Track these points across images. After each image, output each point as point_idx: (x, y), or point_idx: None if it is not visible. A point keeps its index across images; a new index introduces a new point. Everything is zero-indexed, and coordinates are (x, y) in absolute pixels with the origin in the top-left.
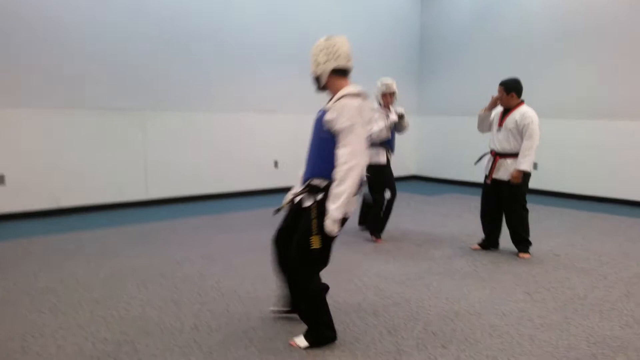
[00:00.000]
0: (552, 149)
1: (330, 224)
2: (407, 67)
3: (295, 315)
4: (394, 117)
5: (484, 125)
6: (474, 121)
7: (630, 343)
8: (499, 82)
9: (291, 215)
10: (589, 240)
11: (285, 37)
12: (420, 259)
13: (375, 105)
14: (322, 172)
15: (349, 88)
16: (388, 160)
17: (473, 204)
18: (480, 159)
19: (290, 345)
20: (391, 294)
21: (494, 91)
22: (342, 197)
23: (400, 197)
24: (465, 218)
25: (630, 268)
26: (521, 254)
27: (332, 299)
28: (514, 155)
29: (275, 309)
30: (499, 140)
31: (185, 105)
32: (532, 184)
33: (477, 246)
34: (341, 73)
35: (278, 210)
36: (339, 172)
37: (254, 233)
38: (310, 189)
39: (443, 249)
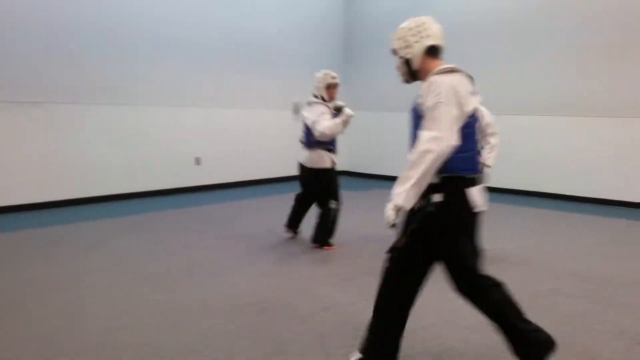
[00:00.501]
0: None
1: (389, 209)
2: (332, 62)
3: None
4: (349, 111)
5: None
6: (402, 117)
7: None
8: None
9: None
10: (526, 236)
11: (205, 31)
12: (348, 258)
13: (314, 99)
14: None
15: (441, 65)
16: (333, 163)
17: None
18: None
19: None
20: (320, 297)
21: (419, 87)
22: (409, 183)
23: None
24: None
25: (557, 262)
26: None
27: (261, 305)
28: None
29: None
30: None
31: (88, 96)
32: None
33: None
34: (434, 53)
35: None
36: (413, 154)
37: (170, 235)
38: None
39: (371, 247)
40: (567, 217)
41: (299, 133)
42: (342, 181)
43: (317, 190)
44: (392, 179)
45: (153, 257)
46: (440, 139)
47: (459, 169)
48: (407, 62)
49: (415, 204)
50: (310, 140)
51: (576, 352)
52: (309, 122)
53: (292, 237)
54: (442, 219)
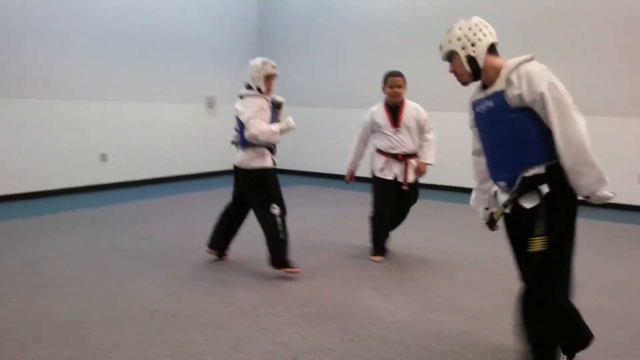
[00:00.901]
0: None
1: (604, 193)
2: (245, 55)
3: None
4: (292, 121)
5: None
6: (324, 113)
7: (477, 337)
8: (391, 72)
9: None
10: (437, 233)
11: (107, 19)
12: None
13: (248, 91)
14: (532, 157)
15: (514, 59)
16: (274, 162)
17: (323, 195)
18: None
19: None
20: (237, 301)
21: (343, 82)
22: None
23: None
24: (314, 213)
25: (465, 256)
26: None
27: (170, 313)
28: (415, 154)
29: None
30: (402, 142)
31: None
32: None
33: (379, 258)
34: (495, 50)
35: (493, 225)
36: (574, 147)
37: (72, 238)
38: (528, 184)
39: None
40: None
41: (212, 128)
42: None
43: (256, 196)
44: (309, 174)
45: (52, 262)
46: (579, 117)
47: (557, 155)
48: (472, 61)
49: (514, 199)
50: (244, 138)
51: (490, 347)
52: (243, 118)
53: (219, 259)
54: (566, 209)
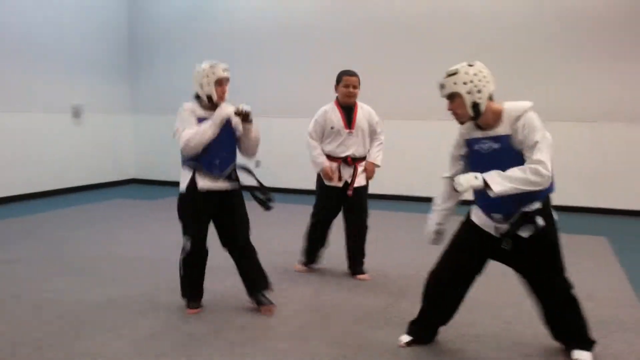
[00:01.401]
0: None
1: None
2: (114, 61)
3: None
4: (247, 107)
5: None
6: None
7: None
8: (346, 72)
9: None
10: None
11: None
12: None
13: (190, 105)
14: (535, 195)
15: (517, 104)
16: (195, 183)
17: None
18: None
19: None
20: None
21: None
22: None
23: (121, 204)
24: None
25: None
26: (360, 276)
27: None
28: (363, 158)
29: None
30: (354, 145)
31: None
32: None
33: (302, 267)
34: (492, 96)
35: (507, 243)
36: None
37: None
38: (527, 217)
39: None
40: None
41: (79, 138)
42: (130, 190)
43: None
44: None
45: None
46: (548, 172)
47: (549, 191)
48: (475, 106)
49: (516, 228)
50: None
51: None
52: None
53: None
54: (555, 237)
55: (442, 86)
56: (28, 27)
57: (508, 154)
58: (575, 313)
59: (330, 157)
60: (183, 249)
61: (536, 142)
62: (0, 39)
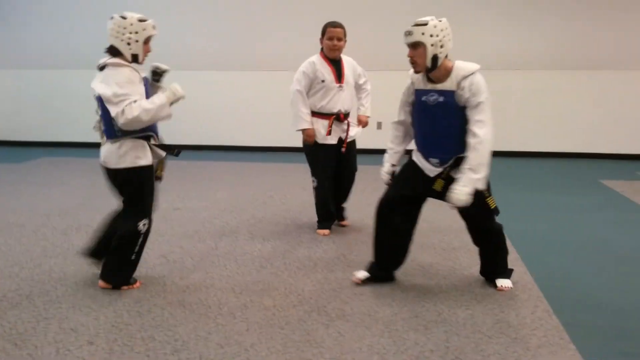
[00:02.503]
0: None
1: (468, 194)
2: None
3: None
4: (180, 89)
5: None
6: (50, 75)
7: (269, 284)
8: (330, 23)
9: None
10: (208, 189)
11: None
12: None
13: (113, 59)
14: (465, 146)
15: (467, 64)
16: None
17: (78, 167)
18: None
19: (501, 290)
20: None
21: (76, 40)
22: (485, 169)
23: None
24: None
25: (244, 212)
26: (344, 222)
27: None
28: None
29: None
30: (344, 100)
31: None
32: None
33: (326, 231)
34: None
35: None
36: (487, 144)
37: None
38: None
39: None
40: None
41: None
42: None
43: (128, 202)
44: (54, 144)
45: None
46: (488, 132)
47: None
48: (434, 59)
49: (449, 171)
50: (113, 127)
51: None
52: (103, 95)
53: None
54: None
55: (409, 33)
56: None
57: (449, 108)
58: (501, 249)
59: (320, 114)
60: (143, 234)
61: (479, 103)
62: None
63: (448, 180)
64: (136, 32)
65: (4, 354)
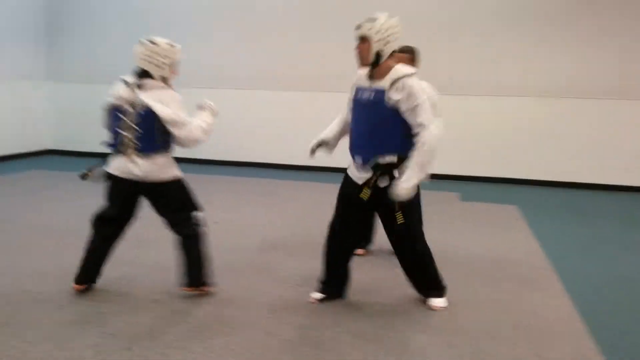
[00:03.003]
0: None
1: (409, 189)
2: (29, 27)
3: None
4: (212, 104)
5: None
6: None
7: (305, 302)
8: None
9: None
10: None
11: None
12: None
13: (153, 82)
14: (389, 148)
15: (404, 67)
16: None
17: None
18: None
19: (433, 310)
20: None
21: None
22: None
23: (38, 175)
24: None
25: None
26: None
27: None
28: None
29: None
30: None
31: None
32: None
33: (363, 251)
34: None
35: (364, 194)
36: (432, 142)
37: None
38: (384, 169)
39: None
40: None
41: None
42: (48, 161)
43: (169, 208)
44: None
45: None
46: (432, 133)
47: (406, 148)
48: (377, 55)
49: (376, 179)
50: (156, 142)
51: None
52: (167, 116)
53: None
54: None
55: (358, 27)
56: None
57: (378, 106)
58: (428, 266)
59: None
60: (202, 219)
61: (417, 105)
62: None
63: (375, 189)
64: (166, 57)
65: (46, 355)
